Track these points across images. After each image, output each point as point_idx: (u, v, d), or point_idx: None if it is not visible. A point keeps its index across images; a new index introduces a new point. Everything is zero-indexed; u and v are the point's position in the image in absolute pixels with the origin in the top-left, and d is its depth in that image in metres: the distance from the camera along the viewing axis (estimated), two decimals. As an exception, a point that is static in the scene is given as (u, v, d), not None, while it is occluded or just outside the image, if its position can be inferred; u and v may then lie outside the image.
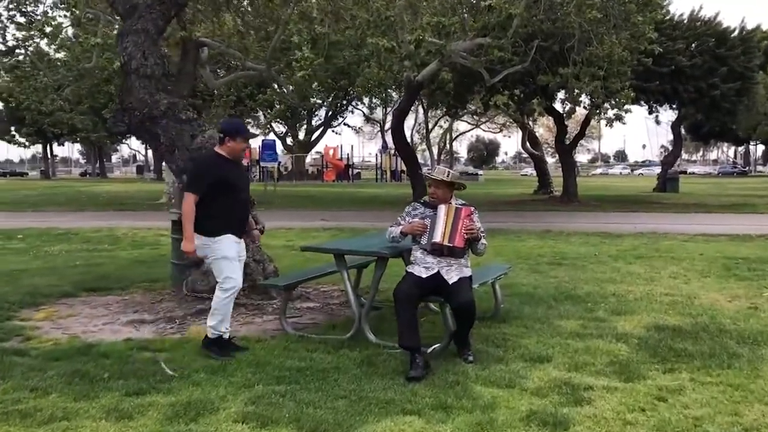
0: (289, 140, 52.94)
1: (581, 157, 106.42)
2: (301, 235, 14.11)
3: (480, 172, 67.39)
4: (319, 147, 54.69)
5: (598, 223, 16.90)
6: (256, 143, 33.96)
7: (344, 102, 48.86)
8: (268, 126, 42.67)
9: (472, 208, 5.21)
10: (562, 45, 18.09)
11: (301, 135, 52.16)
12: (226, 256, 5.08)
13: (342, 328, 5.87)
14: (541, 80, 19.37)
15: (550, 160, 48.65)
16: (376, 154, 57.94)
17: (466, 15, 18.14)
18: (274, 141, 29.24)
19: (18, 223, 16.84)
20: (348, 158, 50.81)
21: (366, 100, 43.56)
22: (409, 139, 34.33)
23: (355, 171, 52.85)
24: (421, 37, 15.64)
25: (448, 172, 5.22)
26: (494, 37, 17.84)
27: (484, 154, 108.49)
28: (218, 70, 27.23)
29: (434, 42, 16.49)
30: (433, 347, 5.11)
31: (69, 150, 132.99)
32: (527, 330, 5.91)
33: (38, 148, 74.23)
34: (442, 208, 5.10)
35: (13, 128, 64.34)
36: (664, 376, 4.65)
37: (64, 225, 16.52)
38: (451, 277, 5.03)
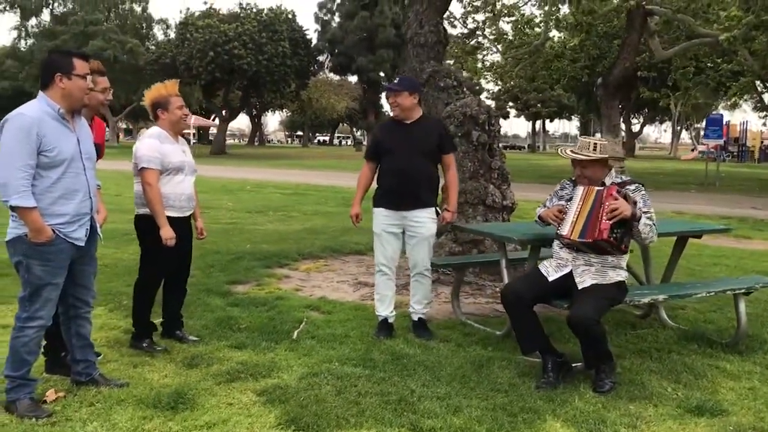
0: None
1: None
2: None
3: None
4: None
5: None
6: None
7: None
8: (738, 98, 37.14)
9: (634, 186, 3.91)
10: None
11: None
12: (375, 231, 4.85)
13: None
14: None
15: None
16: None
17: None
18: (721, 116, 25.99)
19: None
20: None
21: None
22: None
23: None
24: None
25: (595, 144, 3.94)
26: None
27: None
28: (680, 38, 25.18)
29: None
30: (575, 365, 4.06)
31: (565, 126, 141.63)
32: (762, 370, 4.21)
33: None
34: (578, 191, 3.95)
35: (509, 105, 70.26)
36: None
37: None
38: (584, 280, 3.90)
